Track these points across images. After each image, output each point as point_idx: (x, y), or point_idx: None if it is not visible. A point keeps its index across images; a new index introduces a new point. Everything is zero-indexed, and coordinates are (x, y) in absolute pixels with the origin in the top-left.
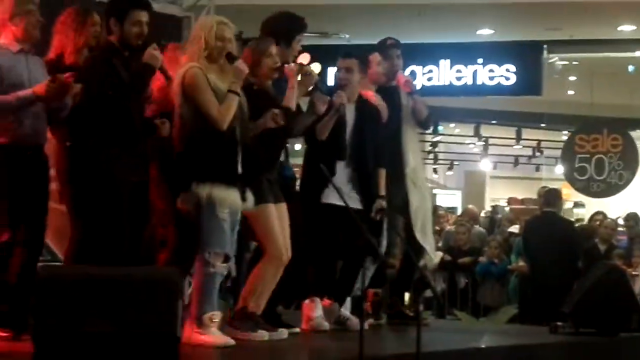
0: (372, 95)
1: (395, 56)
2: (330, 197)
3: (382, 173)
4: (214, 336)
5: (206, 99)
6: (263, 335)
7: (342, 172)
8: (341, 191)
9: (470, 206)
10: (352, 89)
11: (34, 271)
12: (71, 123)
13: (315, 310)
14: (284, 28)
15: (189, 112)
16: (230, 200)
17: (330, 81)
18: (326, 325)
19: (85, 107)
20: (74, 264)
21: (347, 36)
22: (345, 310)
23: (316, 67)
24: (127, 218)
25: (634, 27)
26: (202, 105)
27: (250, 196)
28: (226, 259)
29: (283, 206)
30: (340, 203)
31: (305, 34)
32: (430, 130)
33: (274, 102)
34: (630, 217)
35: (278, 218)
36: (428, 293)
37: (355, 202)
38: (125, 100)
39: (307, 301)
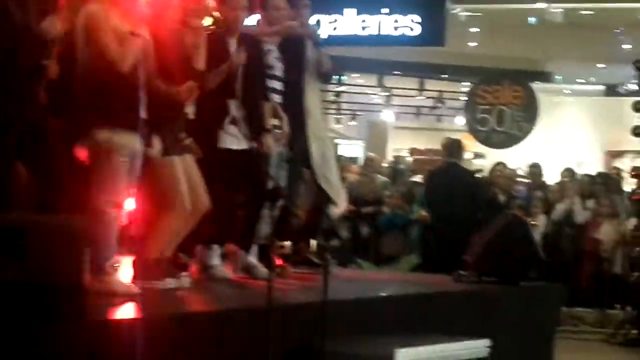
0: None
1: (302, 5)
2: (227, 142)
3: (268, 107)
4: (117, 284)
5: (105, 39)
6: (169, 283)
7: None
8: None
9: (372, 155)
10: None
11: None
12: None
13: (213, 258)
14: None
15: (88, 54)
16: (130, 147)
17: None
18: (228, 274)
19: None
20: None
21: None
22: (252, 258)
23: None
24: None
25: None
26: (101, 45)
27: (156, 142)
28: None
29: (189, 158)
30: (237, 147)
31: None
32: (333, 81)
33: None
34: (534, 167)
35: (184, 170)
36: (334, 242)
37: (243, 142)
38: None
39: (201, 247)
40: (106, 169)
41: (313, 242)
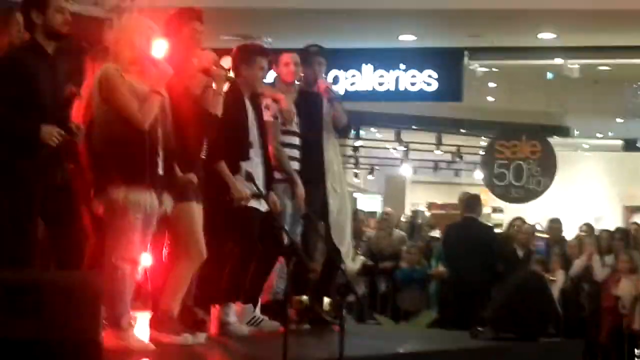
0: (281, 97)
1: (316, 63)
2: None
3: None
4: (133, 340)
5: (123, 98)
6: (187, 339)
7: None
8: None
9: (389, 209)
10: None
11: None
12: None
13: (231, 315)
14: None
15: (104, 112)
16: (145, 204)
17: None
18: (244, 330)
19: None
20: None
21: (270, 40)
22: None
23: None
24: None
25: (553, 35)
26: (121, 105)
27: (168, 199)
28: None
29: (200, 206)
30: (253, 205)
31: (229, 37)
32: (351, 135)
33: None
34: (554, 222)
35: (192, 217)
36: (350, 298)
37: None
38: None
39: (219, 306)
40: (121, 225)
41: (326, 299)
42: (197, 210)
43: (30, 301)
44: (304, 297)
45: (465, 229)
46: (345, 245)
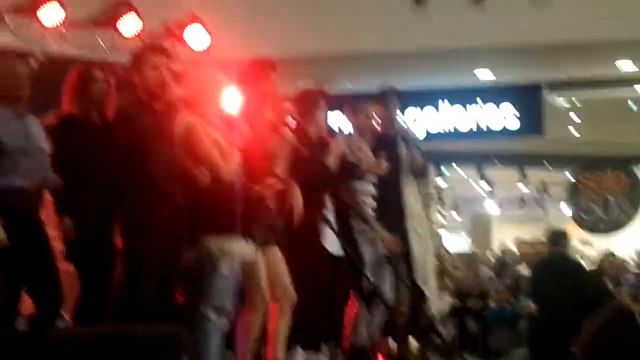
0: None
1: (392, 105)
2: (327, 243)
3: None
4: None
5: (208, 150)
6: None
7: None
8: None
9: (474, 249)
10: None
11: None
12: None
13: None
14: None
15: (189, 164)
16: (239, 252)
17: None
18: None
19: None
20: (78, 324)
21: (349, 84)
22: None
23: None
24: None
25: (633, 65)
26: (204, 156)
27: (252, 246)
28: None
29: (276, 250)
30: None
31: (305, 83)
32: (434, 173)
33: None
34: None
35: (271, 263)
36: (435, 339)
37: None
38: None
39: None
40: (212, 276)
41: (414, 342)
42: (264, 255)
43: (115, 356)
44: (392, 342)
45: (553, 265)
46: (430, 286)
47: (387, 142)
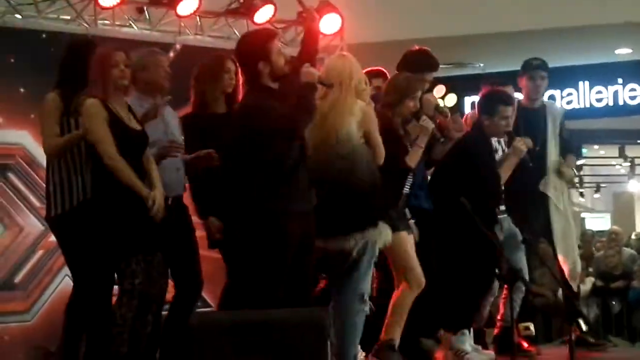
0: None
1: (539, 77)
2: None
3: None
4: None
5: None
6: None
7: None
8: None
9: (615, 228)
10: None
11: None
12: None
13: (465, 343)
14: (415, 66)
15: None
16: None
17: (467, 110)
18: (486, 358)
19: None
20: (226, 309)
21: (482, 65)
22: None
23: (452, 99)
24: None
25: None
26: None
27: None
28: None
29: (411, 237)
30: None
31: (441, 65)
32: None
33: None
34: None
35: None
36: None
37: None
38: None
39: (452, 334)
40: (368, 264)
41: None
42: (408, 239)
43: (260, 340)
44: (530, 325)
45: None
46: (572, 264)
47: (534, 113)
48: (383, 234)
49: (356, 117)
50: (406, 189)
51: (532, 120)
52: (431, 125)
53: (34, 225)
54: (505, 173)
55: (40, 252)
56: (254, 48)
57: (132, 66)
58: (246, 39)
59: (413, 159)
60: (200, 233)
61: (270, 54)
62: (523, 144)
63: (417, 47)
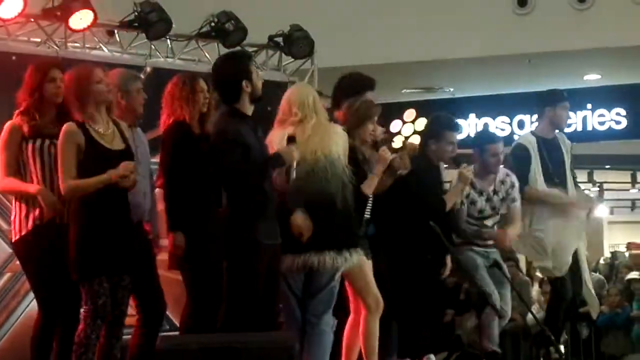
0: None
1: (561, 107)
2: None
3: None
4: None
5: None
6: None
7: None
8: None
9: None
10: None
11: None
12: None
13: None
14: (354, 88)
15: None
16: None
17: None
18: None
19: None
20: (190, 333)
21: (452, 89)
22: None
23: (422, 122)
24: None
25: None
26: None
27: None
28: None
29: (370, 261)
30: None
31: (411, 90)
32: None
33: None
34: None
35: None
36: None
37: None
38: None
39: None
40: (331, 287)
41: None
42: (367, 263)
43: None
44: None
45: None
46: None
47: (550, 145)
48: (349, 257)
49: (341, 136)
50: (366, 215)
51: (551, 151)
52: (389, 156)
53: (1, 248)
54: (450, 200)
55: (7, 276)
56: (237, 67)
57: (116, 87)
58: (228, 59)
59: (369, 186)
60: (162, 257)
61: (252, 74)
62: (469, 172)
63: (348, 72)
